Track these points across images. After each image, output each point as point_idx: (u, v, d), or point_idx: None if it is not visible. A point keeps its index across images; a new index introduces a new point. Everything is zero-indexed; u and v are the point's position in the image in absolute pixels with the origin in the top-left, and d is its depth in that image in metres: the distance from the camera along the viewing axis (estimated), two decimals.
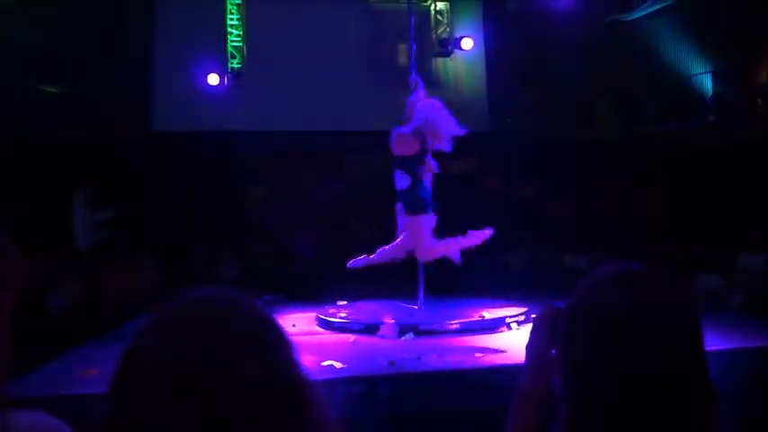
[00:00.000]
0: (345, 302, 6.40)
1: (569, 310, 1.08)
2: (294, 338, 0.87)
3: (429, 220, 5.56)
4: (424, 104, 5.69)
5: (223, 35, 9.59)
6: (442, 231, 5.90)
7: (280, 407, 0.79)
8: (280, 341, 0.84)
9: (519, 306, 5.72)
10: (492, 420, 3.50)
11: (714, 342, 3.91)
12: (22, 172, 8.17)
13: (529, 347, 1.19)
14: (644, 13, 9.91)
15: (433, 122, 5.46)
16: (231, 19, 9.63)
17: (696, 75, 10.09)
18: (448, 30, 10.20)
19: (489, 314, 5.36)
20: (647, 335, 0.97)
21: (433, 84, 10.04)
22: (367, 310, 5.89)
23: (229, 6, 9.63)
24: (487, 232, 5.60)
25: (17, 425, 1.00)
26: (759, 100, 9.75)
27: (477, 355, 4.15)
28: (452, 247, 5.51)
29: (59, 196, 8.03)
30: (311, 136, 9.40)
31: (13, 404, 1.05)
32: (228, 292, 0.87)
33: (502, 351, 4.31)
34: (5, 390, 1.08)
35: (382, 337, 4.90)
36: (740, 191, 8.58)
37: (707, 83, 10.04)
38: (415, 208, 5.54)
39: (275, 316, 0.88)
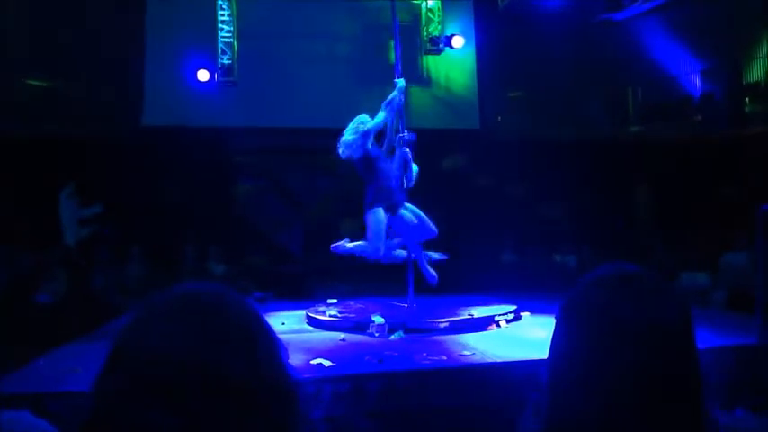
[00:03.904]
0: (335, 300, 6.39)
1: (564, 308, 1.09)
2: (283, 336, 0.86)
3: None
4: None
5: (214, 31, 9.54)
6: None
7: (263, 407, 0.78)
8: (266, 339, 0.84)
9: (508, 304, 5.75)
10: (480, 418, 3.52)
11: (698, 339, 3.94)
12: (9, 166, 8.10)
13: None
14: (634, 12, 9.96)
15: None
16: (222, 15, 9.59)
17: (684, 74, 10.16)
18: (439, 27, 10.21)
19: (478, 312, 5.38)
20: (641, 335, 0.98)
21: (424, 81, 10.05)
22: (357, 308, 5.89)
23: (220, 2, 9.58)
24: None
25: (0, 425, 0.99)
26: (746, 99, 9.84)
27: (466, 353, 4.16)
28: None
29: (46, 191, 7.96)
30: (301, 133, 9.38)
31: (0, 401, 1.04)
32: (215, 288, 0.86)
33: (489, 349, 4.33)
34: None
35: (371, 335, 4.91)
36: (726, 190, 8.66)
37: (695, 82, 10.12)
38: None
39: (264, 313, 0.87)
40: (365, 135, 5.59)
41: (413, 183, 5.81)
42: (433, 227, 5.64)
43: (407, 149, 5.80)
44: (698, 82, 10.06)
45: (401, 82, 5.84)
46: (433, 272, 5.85)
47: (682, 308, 1.03)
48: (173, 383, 0.74)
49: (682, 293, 1.07)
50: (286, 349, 0.86)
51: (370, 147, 5.63)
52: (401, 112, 5.85)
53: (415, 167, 5.84)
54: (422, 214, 5.63)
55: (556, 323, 1.10)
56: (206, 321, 0.80)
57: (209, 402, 0.74)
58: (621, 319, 1.00)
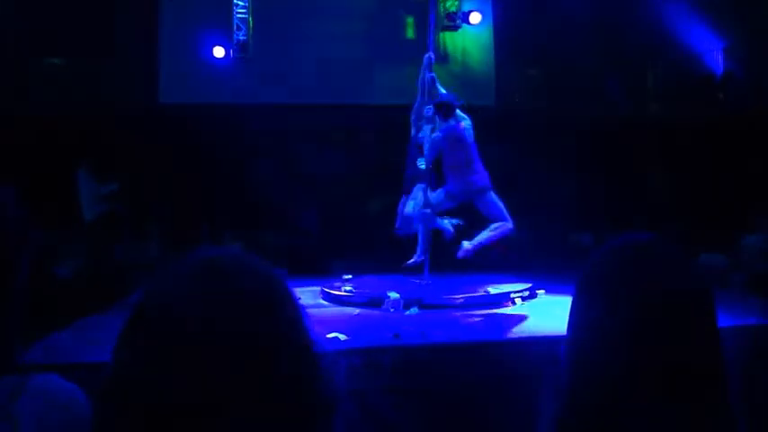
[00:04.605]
0: (351, 276, 6.43)
1: (580, 279, 1.08)
2: None
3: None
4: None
5: (229, 7, 9.49)
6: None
7: (285, 368, 0.78)
8: (288, 301, 0.84)
9: (523, 282, 5.75)
10: (493, 393, 3.53)
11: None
12: (29, 143, 8.17)
13: None
14: None
15: None
16: None
17: (706, 52, 9.98)
18: (456, 3, 10.08)
19: (494, 289, 5.38)
20: (658, 304, 0.97)
21: (440, 57, 9.94)
22: (372, 284, 5.92)
23: None
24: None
25: (30, 388, 1.01)
26: None
27: (482, 329, 4.18)
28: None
29: (65, 167, 8.04)
30: (317, 109, 9.35)
31: (25, 369, 1.06)
32: (235, 251, 0.86)
33: (506, 326, 4.34)
34: (19, 355, 1.09)
35: (387, 310, 4.93)
36: (746, 170, 8.54)
37: (717, 60, 9.94)
38: None
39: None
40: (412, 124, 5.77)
41: (429, 163, 5.77)
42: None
43: (427, 128, 5.78)
44: (720, 59, 9.89)
45: (428, 57, 5.83)
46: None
47: (699, 275, 1.02)
48: (193, 345, 0.75)
49: (698, 264, 1.05)
50: (307, 313, 0.86)
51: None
52: (427, 89, 5.82)
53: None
54: (410, 209, 5.66)
55: (573, 296, 1.09)
56: (226, 282, 0.80)
57: (230, 364, 0.75)
58: (638, 289, 0.98)
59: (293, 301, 0.84)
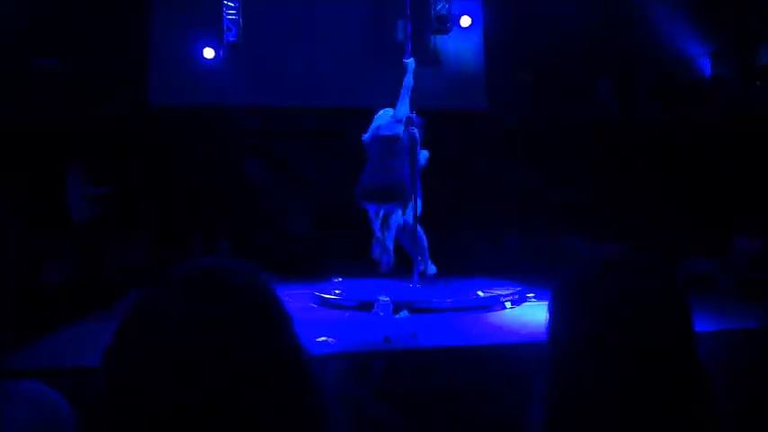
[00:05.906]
0: (341, 279, 6.42)
1: (557, 290, 1.09)
2: None
3: None
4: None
5: (219, 8, 9.45)
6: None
7: (277, 379, 0.79)
8: (278, 312, 0.84)
9: (514, 286, 5.76)
10: (485, 398, 3.54)
11: (704, 324, 3.94)
12: (17, 146, 8.12)
13: None
14: None
15: None
16: None
17: (695, 56, 10.05)
18: (447, 6, 10.09)
19: (485, 293, 5.39)
20: (632, 317, 0.98)
21: (431, 61, 9.96)
22: (362, 287, 5.91)
23: None
24: None
25: (14, 394, 1.01)
26: (758, 82, 9.74)
27: (472, 333, 4.18)
28: None
29: (55, 170, 7.99)
30: (308, 111, 9.34)
31: (10, 375, 1.06)
32: (230, 263, 0.86)
33: (496, 330, 4.35)
34: (3, 361, 1.09)
35: (377, 314, 4.92)
36: (735, 174, 8.60)
37: (706, 64, 10.01)
38: None
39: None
40: None
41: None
42: None
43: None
44: (709, 64, 9.95)
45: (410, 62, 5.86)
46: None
47: (675, 290, 1.03)
48: (185, 357, 0.75)
49: (673, 274, 1.05)
50: (297, 319, 0.86)
51: None
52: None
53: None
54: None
55: (550, 305, 1.10)
56: (218, 294, 0.80)
57: (222, 375, 0.75)
58: (612, 300, 1.00)
59: (283, 309, 0.85)
